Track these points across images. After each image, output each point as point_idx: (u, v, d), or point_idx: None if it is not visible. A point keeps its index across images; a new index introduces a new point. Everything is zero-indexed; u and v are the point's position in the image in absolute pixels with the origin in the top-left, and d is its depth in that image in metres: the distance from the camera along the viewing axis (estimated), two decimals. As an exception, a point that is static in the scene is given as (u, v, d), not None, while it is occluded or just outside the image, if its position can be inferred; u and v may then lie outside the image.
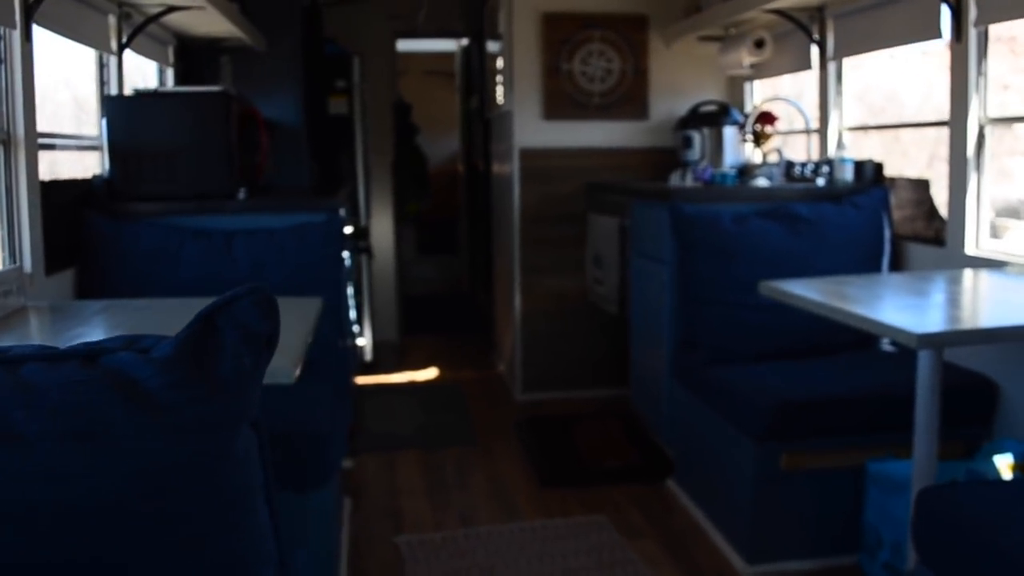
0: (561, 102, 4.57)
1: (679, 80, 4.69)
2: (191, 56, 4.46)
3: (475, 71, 7.40)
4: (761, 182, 3.61)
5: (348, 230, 3.88)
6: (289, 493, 2.41)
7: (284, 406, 2.52)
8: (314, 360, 3.01)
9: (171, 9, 3.40)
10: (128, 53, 3.53)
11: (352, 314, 4.48)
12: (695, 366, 3.15)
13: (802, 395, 2.66)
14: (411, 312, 7.35)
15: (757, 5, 3.69)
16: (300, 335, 1.87)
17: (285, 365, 1.61)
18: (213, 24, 3.85)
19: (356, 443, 3.95)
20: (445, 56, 9.82)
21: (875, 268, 3.26)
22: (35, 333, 2.14)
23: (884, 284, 2.63)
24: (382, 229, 6.09)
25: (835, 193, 3.47)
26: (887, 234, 3.30)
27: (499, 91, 4.90)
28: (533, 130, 4.60)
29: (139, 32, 3.41)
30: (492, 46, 5.28)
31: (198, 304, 2.40)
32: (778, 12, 3.78)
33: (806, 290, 2.38)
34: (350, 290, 4.32)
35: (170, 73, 4.18)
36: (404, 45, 9.07)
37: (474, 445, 4.02)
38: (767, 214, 3.24)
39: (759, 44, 4.12)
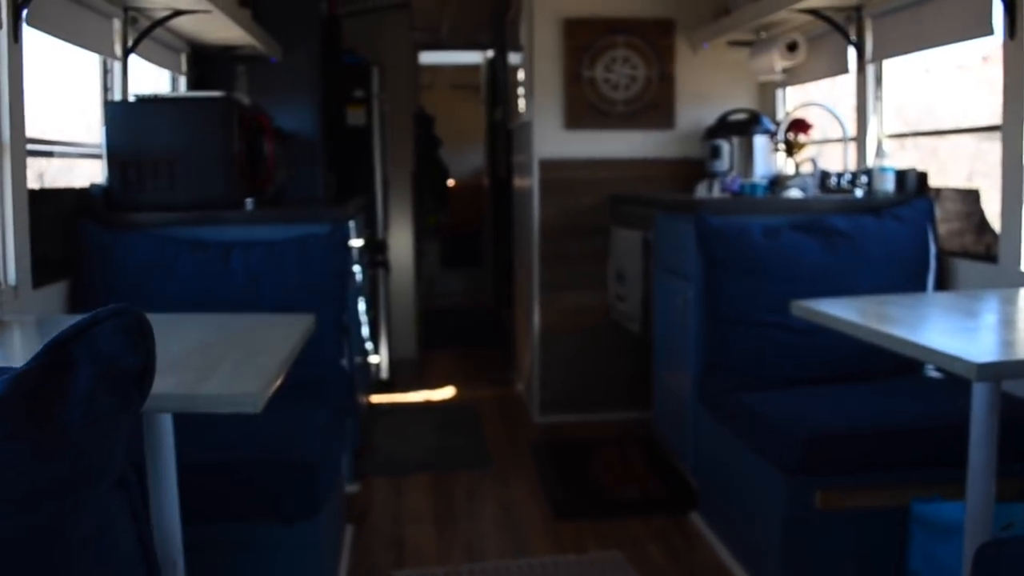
0: (583, 111, 4.38)
1: (707, 87, 4.48)
2: (206, 64, 4.34)
3: (500, 83, 7.25)
4: (794, 193, 3.39)
5: (359, 243, 3.71)
6: (277, 526, 2.23)
7: (271, 432, 2.34)
8: (311, 381, 2.84)
9: (177, 13, 3.26)
10: (137, 59, 3.40)
11: (365, 331, 4.31)
12: (722, 391, 2.93)
13: (839, 426, 2.43)
14: (432, 327, 7.18)
15: (789, 4, 3.48)
16: (278, 356, 1.69)
17: (249, 392, 1.42)
18: (224, 30, 3.72)
19: (363, 466, 3.77)
20: (471, 69, 9.69)
21: (919, 286, 3.02)
22: (10, 349, 1.98)
23: (931, 304, 2.40)
24: (401, 242, 5.93)
25: (875, 205, 3.24)
26: (932, 249, 3.07)
27: (521, 102, 4.71)
28: (554, 140, 4.41)
29: (145, 36, 3.28)
30: (514, 58, 5.11)
31: (184, 321, 2.24)
32: (812, 12, 3.57)
33: (844, 311, 2.16)
34: (362, 306, 4.15)
35: (183, 81, 4.05)
36: (430, 58, 8.96)
37: (487, 469, 3.82)
38: (801, 227, 3.02)
39: (792, 47, 3.90)
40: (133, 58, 3.36)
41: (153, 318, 2.18)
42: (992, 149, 3.33)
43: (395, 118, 5.80)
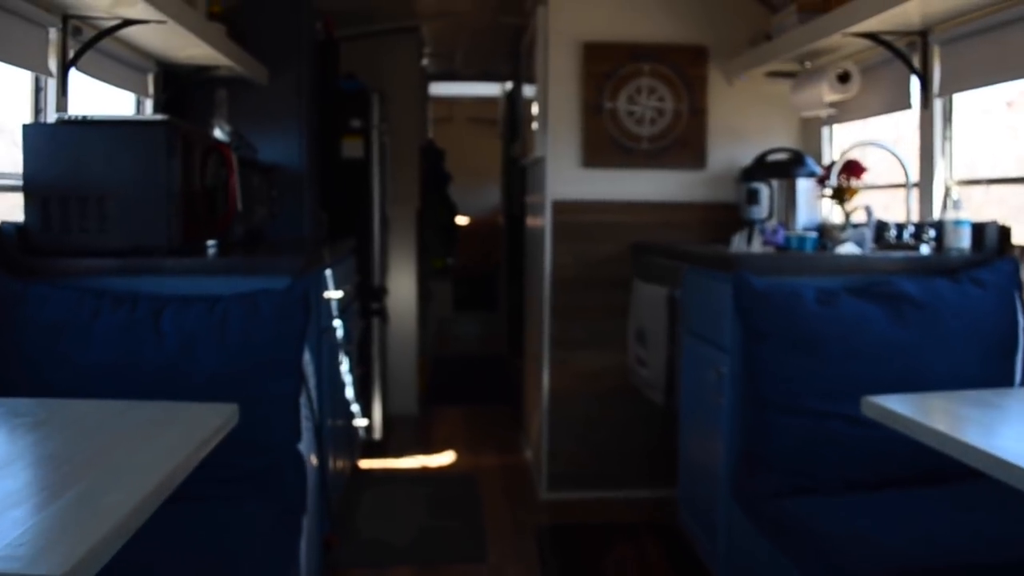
0: (603, 147, 3.87)
1: (743, 123, 3.96)
2: (180, 88, 3.88)
3: (517, 116, 6.78)
4: (849, 248, 2.84)
5: (337, 295, 3.20)
6: None
7: (194, 544, 1.81)
8: (259, 471, 2.32)
9: (127, 23, 2.79)
10: (88, 79, 2.94)
11: (349, 392, 3.79)
12: (763, 492, 2.37)
13: (926, 555, 1.87)
14: (439, 377, 6.65)
15: (842, 28, 2.96)
16: (139, 492, 1.16)
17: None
18: (192, 47, 3.25)
19: (336, 555, 3.22)
20: (489, 102, 9.26)
21: (1007, 367, 2.46)
22: None
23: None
24: (403, 287, 5.42)
25: (948, 265, 2.68)
26: (1021, 322, 2.51)
27: (534, 136, 4.21)
28: (569, 179, 3.90)
29: (88, 49, 2.80)
30: (528, 90, 4.62)
31: (47, 416, 1.70)
32: (869, 37, 3.04)
33: (933, 414, 1.62)
34: (345, 364, 3.63)
35: (149, 105, 3.58)
36: (445, 89, 8.52)
37: (483, 562, 3.26)
38: (862, 292, 2.47)
39: (843, 78, 3.37)
40: (80, 77, 2.90)
41: (53, 404, 1.69)
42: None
43: (399, 151, 5.33)
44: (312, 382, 2.83)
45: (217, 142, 2.89)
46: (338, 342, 3.39)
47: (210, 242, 3.03)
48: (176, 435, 1.48)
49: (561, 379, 3.95)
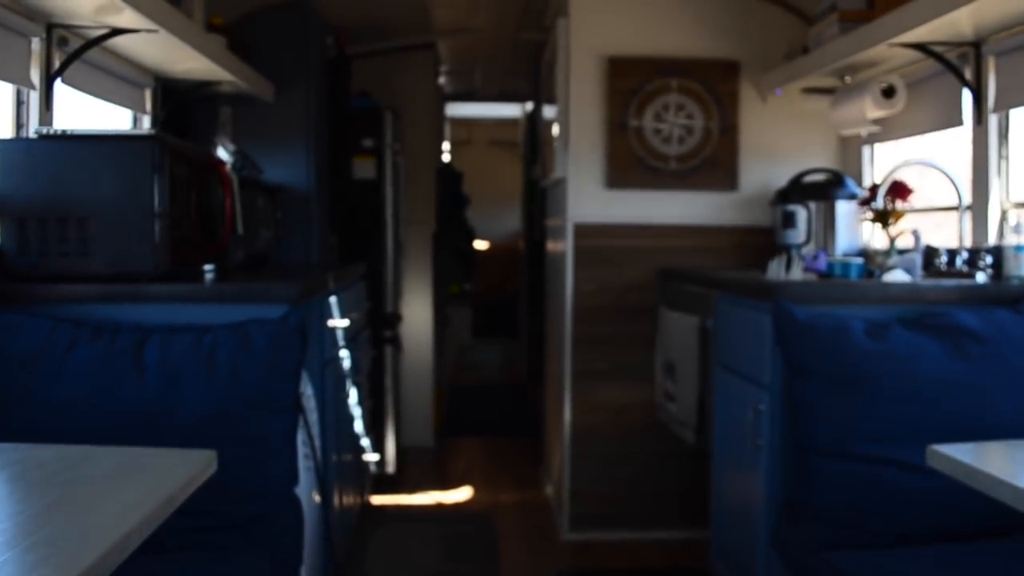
0: (628, 167, 3.65)
1: (778, 141, 3.73)
2: (182, 104, 3.72)
3: (538, 137, 6.59)
4: (898, 276, 2.59)
5: (341, 324, 2.99)
6: None
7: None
8: (250, 518, 2.10)
9: (116, 32, 2.62)
10: (82, 96, 2.78)
11: (359, 425, 3.57)
12: (807, 545, 2.12)
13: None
14: (456, 407, 6.42)
15: (887, 38, 2.74)
16: (77, 567, 0.95)
17: None
18: (189, 60, 3.08)
19: (340, 605, 2.99)
20: (510, 124, 9.09)
21: (1083, 409, 2.20)
22: None
23: None
24: (418, 314, 5.21)
25: (1010, 295, 2.43)
26: (1097, 357, 2.25)
27: (555, 157, 4.00)
28: (592, 201, 3.68)
29: (74, 60, 2.63)
30: (549, 111, 4.42)
31: (36, 458, 1.49)
32: (917, 48, 2.81)
33: (993, 461, 1.39)
34: (354, 396, 3.42)
35: (146, 121, 3.41)
36: (464, 110, 8.37)
37: (498, 613, 3.02)
38: (915, 324, 2.22)
39: (888, 93, 3.14)
40: (70, 91, 2.72)
41: (22, 449, 1.49)
42: None
43: (414, 172, 5.14)
44: (314, 417, 2.62)
45: (213, 160, 2.70)
46: (345, 373, 3.18)
47: (207, 267, 2.84)
48: (142, 487, 1.27)
49: (584, 413, 3.71)
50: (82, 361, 2.04)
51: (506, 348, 8.74)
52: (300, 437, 2.38)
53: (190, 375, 2.06)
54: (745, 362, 2.57)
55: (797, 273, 2.56)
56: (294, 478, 2.18)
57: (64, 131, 2.29)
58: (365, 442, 3.76)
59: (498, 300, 8.83)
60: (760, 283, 2.45)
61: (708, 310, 2.98)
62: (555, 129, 3.91)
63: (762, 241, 3.64)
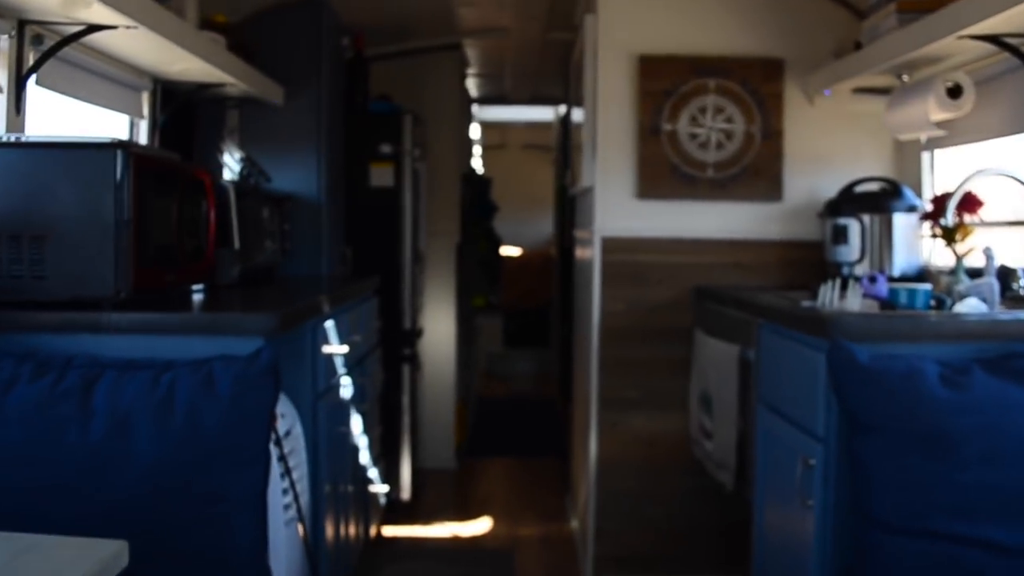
0: (661, 175, 3.33)
1: (827, 147, 3.38)
2: (187, 110, 3.49)
3: (570, 142, 6.29)
4: (972, 305, 2.24)
5: (340, 350, 2.71)
6: None
7: None
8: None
9: (92, 28, 2.36)
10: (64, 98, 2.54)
11: (364, 456, 3.29)
12: (867, 630, 1.79)
13: None
14: (483, 422, 6.13)
15: (956, 30, 2.39)
16: None
17: None
18: (182, 61, 2.82)
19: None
20: (544, 128, 8.79)
21: None
22: None
23: None
24: (440, 328, 4.93)
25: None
26: None
27: (584, 162, 3.69)
28: (621, 213, 3.36)
29: (48, 59, 2.37)
30: (578, 115, 4.10)
31: None
32: (990, 40, 2.45)
33: None
34: (358, 425, 3.14)
35: (143, 127, 3.16)
36: (497, 114, 8.08)
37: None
38: (1001, 367, 1.87)
39: (954, 93, 2.78)
40: (49, 94, 2.48)
41: None
42: None
43: (437, 179, 4.86)
44: (301, 457, 2.34)
45: (195, 169, 2.44)
46: (346, 402, 2.90)
47: (196, 287, 2.59)
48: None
49: (611, 445, 3.39)
50: (20, 403, 1.78)
51: (538, 358, 8.44)
52: (280, 485, 2.11)
53: (142, 421, 1.78)
54: (793, 405, 2.24)
55: (854, 301, 2.23)
56: (263, 542, 1.90)
57: (18, 138, 2.03)
58: (373, 472, 3.48)
59: (530, 308, 8.53)
60: (811, 314, 2.12)
61: (750, 338, 2.65)
62: (583, 135, 3.60)
63: (809, 257, 3.30)
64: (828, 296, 2.39)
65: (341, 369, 2.82)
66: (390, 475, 4.21)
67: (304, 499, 2.35)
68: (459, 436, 5.14)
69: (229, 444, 1.81)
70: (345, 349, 2.75)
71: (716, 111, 3.32)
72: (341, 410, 2.84)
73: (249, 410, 1.83)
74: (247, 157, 3.56)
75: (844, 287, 2.34)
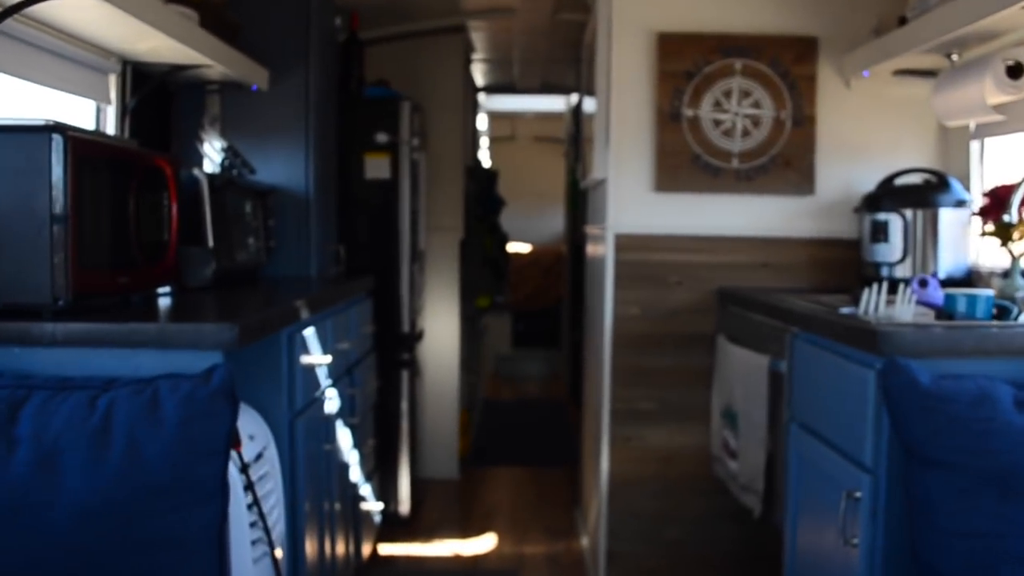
0: (681, 166, 3.03)
1: (865, 135, 3.08)
2: (164, 96, 3.22)
3: (581, 133, 6.00)
4: (1043, 313, 1.94)
5: (322, 361, 2.43)
6: None
7: None
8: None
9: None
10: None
11: (355, 473, 3.01)
12: None
13: None
14: (489, 427, 5.85)
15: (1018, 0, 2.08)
16: None
17: None
18: (148, 37, 2.54)
19: None
20: (555, 119, 8.49)
21: None
22: None
23: None
24: (443, 330, 4.65)
25: None
26: None
27: (596, 152, 3.39)
28: (637, 207, 3.06)
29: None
30: (589, 104, 3.81)
31: None
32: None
33: None
34: (348, 440, 2.86)
35: (111, 113, 2.89)
36: (505, 104, 7.79)
37: None
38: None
39: (1015, 72, 2.47)
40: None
41: None
42: None
43: (439, 171, 4.58)
44: (274, 483, 2.06)
45: (155, 156, 2.15)
46: (332, 416, 2.62)
47: (162, 289, 2.31)
48: None
49: (624, 462, 3.10)
50: (-72, 432, 1.50)
51: (548, 359, 8.16)
52: (247, 519, 1.83)
53: (74, 452, 1.50)
54: (834, 427, 1.94)
55: (906, 310, 1.93)
56: (224, 584, 1.62)
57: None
58: (366, 489, 3.20)
59: (540, 307, 8.24)
60: (859, 325, 1.82)
61: (781, 347, 2.36)
62: (595, 122, 3.30)
63: (843, 257, 3.01)
64: (872, 302, 2.08)
65: (325, 381, 2.54)
66: (387, 488, 3.94)
67: (280, 528, 2.08)
68: (463, 444, 4.86)
69: (177, 479, 1.53)
70: (327, 359, 2.46)
71: (742, 95, 3.02)
72: (326, 426, 2.56)
73: (200, 439, 1.55)
74: (229, 147, 3.29)
75: (892, 291, 2.04)
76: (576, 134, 6.61)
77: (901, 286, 2.01)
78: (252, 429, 2.01)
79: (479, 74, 6.02)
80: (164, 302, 2.20)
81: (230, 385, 1.58)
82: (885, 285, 2.08)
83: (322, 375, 2.50)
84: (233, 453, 1.74)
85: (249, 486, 1.83)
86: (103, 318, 1.75)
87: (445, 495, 4.43)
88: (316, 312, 2.39)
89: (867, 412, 1.74)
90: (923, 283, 2.14)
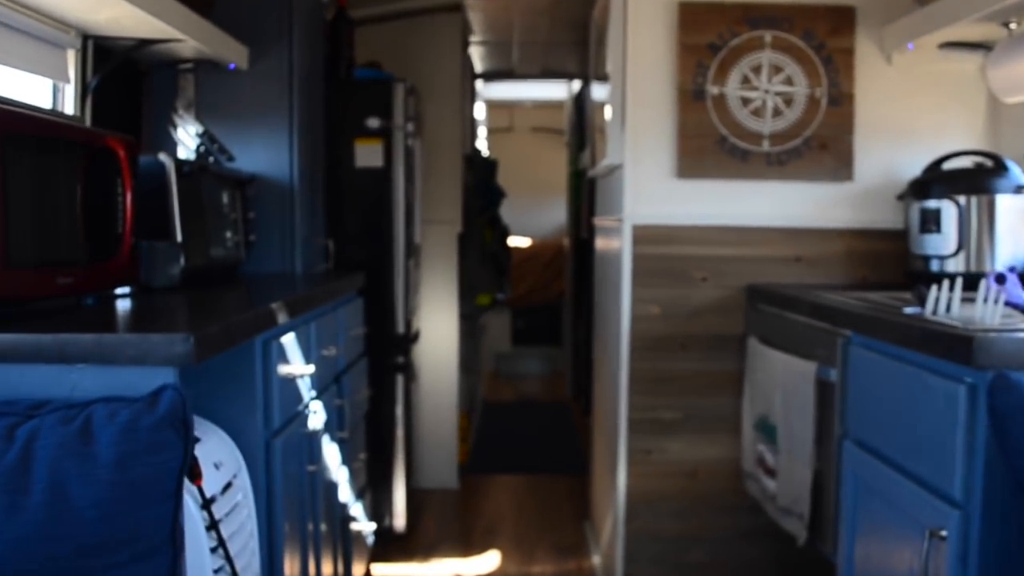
0: (705, 150, 2.73)
1: (908, 115, 2.78)
2: (133, 75, 2.92)
3: (586, 122, 5.70)
4: None
5: (304, 371, 2.12)
6: None
7: None
8: None
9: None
10: None
11: (344, 492, 2.71)
12: None
13: None
14: (489, 431, 5.56)
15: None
16: None
17: None
18: (108, 5, 2.23)
19: None
20: (555, 109, 8.19)
21: None
22: None
23: None
24: (440, 331, 4.35)
25: None
26: None
27: (608, 137, 3.08)
28: (657, 195, 2.76)
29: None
30: (599, 91, 3.50)
31: None
32: None
33: None
34: (336, 457, 2.56)
35: (69, 92, 2.57)
36: (503, 91, 7.48)
37: None
38: None
39: (1092, 40, 2.18)
40: None
41: None
42: None
43: (437, 161, 4.28)
44: (251, 510, 1.76)
45: (106, 137, 1.85)
46: (317, 432, 2.31)
47: (121, 290, 2.02)
48: None
49: (643, 477, 2.80)
50: None
51: (549, 357, 7.86)
52: (210, 565, 1.52)
53: (-15, 497, 1.20)
54: (906, 450, 1.65)
55: (992, 311, 1.63)
56: (178, 656, 1.31)
57: None
58: (357, 509, 2.90)
59: (540, 303, 7.93)
60: (944, 331, 1.52)
61: (829, 353, 2.06)
62: (607, 106, 3.00)
63: (886, 249, 2.71)
64: (943, 301, 1.78)
65: (309, 393, 2.24)
66: (381, 501, 3.64)
67: (255, 566, 1.78)
68: (462, 451, 4.56)
69: (113, 531, 1.23)
70: (310, 369, 2.16)
71: (773, 70, 2.72)
72: (310, 444, 2.26)
73: (143, 479, 1.25)
74: (206, 132, 2.99)
75: (979, 292, 1.74)
76: (579, 123, 6.31)
77: (982, 283, 1.71)
78: (219, 455, 1.71)
79: (477, 59, 5.72)
80: (122, 305, 1.91)
81: (181, 411, 1.27)
82: (959, 282, 1.78)
83: (304, 387, 2.19)
84: (193, 488, 1.45)
85: (213, 526, 1.53)
86: (34, 327, 1.44)
87: (444, 507, 4.13)
88: (297, 315, 2.09)
89: (955, 436, 1.45)
90: (1000, 279, 1.85)
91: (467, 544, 3.70)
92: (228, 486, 1.71)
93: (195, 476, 1.47)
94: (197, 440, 1.48)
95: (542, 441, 5.49)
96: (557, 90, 7.12)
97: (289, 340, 2.03)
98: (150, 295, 2.11)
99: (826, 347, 2.09)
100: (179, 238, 2.33)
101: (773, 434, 2.33)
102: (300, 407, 2.17)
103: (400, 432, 3.70)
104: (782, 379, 2.28)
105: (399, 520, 3.70)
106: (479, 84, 6.46)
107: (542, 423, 5.96)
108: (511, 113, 8.72)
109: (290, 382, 2.05)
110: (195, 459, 1.46)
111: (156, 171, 2.33)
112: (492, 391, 7.01)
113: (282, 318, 1.92)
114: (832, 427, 2.04)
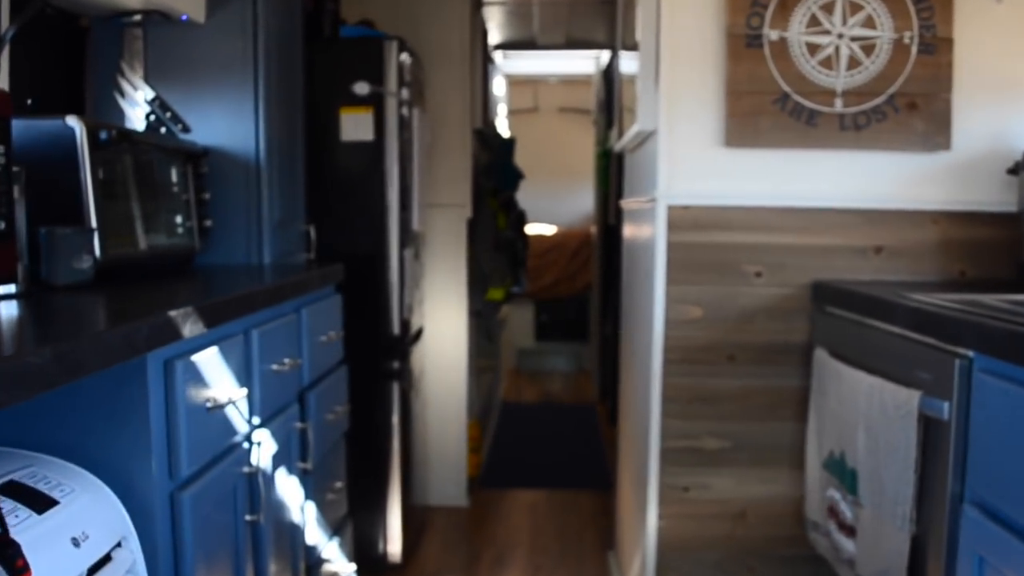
0: (761, 111, 2.17)
1: (1022, 66, 2.20)
2: (71, 32, 2.44)
3: (615, 97, 5.16)
4: None
5: (234, 395, 1.61)
6: None
7: None
8: None
9: None
10: None
11: (313, 533, 2.21)
12: None
13: None
14: (505, 438, 5.04)
15: None
16: None
17: None
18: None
19: None
20: (584, 84, 7.64)
21: None
22: None
23: None
24: (447, 329, 3.83)
25: None
26: None
27: (638, 99, 2.51)
28: (699, 170, 2.21)
29: None
30: (627, 63, 2.93)
31: None
32: None
33: None
34: (297, 493, 2.05)
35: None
36: (525, 66, 6.94)
37: None
38: None
39: None
40: None
41: None
42: None
43: (441, 136, 3.75)
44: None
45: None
46: (257, 472, 1.80)
47: (4, 289, 1.53)
48: None
49: (679, 518, 2.26)
50: None
51: (574, 353, 7.34)
52: None
53: None
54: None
55: None
56: None
57: None
58: (331, 548, 2.39)
59: (566, 296, 7.40)
60: None
61: (939, 379, 1.51)
62: (638, 60, 2.43)
63: (991, 237, 2.15)
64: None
65: (246, 421, 1.72)
66: (373, 526, 3.15)
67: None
68: (473, 463, 4.05)
69: None
70: (243, 392, 1.65)
71: (850, 9, 2.15)
72: (249, 486, 1.75)
73: None
74: (156, 98, 2.51)
75: None
76: (608, 99, 5.76)
77: None
78: (91, 520, 1.22)
79: (494, 28, 5.18)
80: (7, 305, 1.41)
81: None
82: None
83: (240, 415, 1.68)
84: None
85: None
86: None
87: (448, 530, 3.62)
88: (224, 321, 1.57)
89: None
90: None
91: (475, 572, 3.19)
92: (100, 566, 1.21)
93: (16, 572, 0.99)
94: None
95: (564, 450, 4.96)
96: (584, 64, 6.56)
97: (208, 356, 1.52)
98: (47, 295, 1.61)
99: (932, 371, 1.53)
100: (93, 223, 1.84)
101: (853, 481, 1.78)
102: (232, 441, 1.66)
103: (396, 445, 3.20)
104: (866, 409, 1.72)
105: (394, 546, 3.20)
106: (499, 57, 5.93)
107: (565, 429, 5.43)
108: (536, 92, 8.18)
109: (213, 411, 1.54)
110: (14, 545, 0.99)
111: (64, 139, 1.84)
112: (513, 390, 6.50)
113: (188, 329, 1.41)
114: (943, 482, 1.49)
